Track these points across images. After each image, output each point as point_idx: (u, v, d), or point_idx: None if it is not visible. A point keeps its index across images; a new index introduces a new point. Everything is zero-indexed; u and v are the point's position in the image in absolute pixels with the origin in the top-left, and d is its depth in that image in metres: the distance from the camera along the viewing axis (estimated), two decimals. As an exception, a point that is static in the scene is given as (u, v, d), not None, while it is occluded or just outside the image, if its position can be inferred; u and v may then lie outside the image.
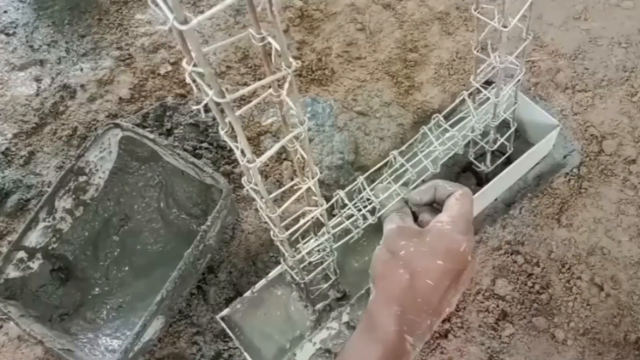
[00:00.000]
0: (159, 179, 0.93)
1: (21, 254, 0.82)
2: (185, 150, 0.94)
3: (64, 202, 0.87)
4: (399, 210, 0.70)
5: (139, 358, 0.79)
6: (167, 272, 0.75)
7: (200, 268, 0.83)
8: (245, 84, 1.05)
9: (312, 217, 0.62)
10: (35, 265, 0.84)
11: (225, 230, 0.89)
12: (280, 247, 0.64)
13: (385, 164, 0.83)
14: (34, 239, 0.84)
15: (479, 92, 0.78)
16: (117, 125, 0.87)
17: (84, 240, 0.90)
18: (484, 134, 0.85)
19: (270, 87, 0.46)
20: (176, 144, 0.95)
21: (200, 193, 0.90)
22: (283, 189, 0.59)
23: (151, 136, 0.86)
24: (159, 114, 1.01)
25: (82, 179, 0.88)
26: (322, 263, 0.73)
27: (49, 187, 0.94)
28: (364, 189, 0.77)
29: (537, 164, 0.96)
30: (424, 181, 0.73)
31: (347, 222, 0.78)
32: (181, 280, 0.75)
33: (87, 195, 0.90)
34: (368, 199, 0.74)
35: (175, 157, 0.85)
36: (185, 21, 0.33)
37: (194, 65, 0.38)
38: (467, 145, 0.89)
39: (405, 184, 0.73)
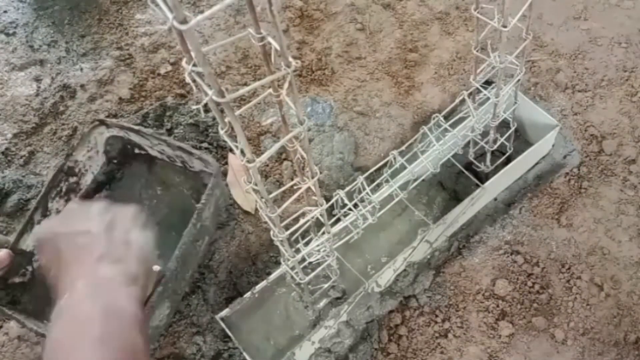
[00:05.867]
0: (149, 175, 0.93)
1: (18, 259, 0.82)
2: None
3: (57, 204, 0.87)
4: None
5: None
6: (165, 267, 0.75)
7: (200, 250, 0.83)
8: (245, 84, 1.05)
9: (312, 217, 0.62)
10: (34, 267, 0.83)
11: (219, 212, 0.89)
12: (280, 247, 0.64)
13: (385, 164, 0.83)
14: (30, 242, 0.83)
15: (479, 92, 0.78)
16: (102, 123, 0.87)
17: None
18: (484, 134, 0.85)
19: (270, 87, 0.46)
20: (162, 131, 0.95)
21: (193, 185, 0.91)
22: (283, 189, 0.59)
23: (136, 127, 0.86)
24: (159, 114, 1.01)
25: (72, 179, 0.88)
26: (322, 263, 0.73)
27: (48, 187, 0.95)
28: (364, 189, 0.77)
29: (537, 163, 0.95)
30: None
31: (347, 222, 0.78)
32: (182, 260, 0.75)
33: (79, 195, 0.90)
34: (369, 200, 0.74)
35: (162, 144, 0.85)
36: (185, 21, 0.33)
37: (194, 65, 0.38)
38: (467, 145, 0.89)
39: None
